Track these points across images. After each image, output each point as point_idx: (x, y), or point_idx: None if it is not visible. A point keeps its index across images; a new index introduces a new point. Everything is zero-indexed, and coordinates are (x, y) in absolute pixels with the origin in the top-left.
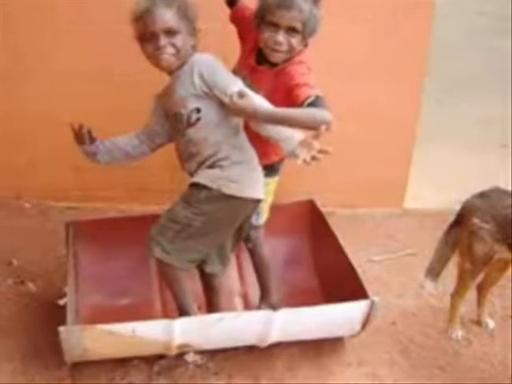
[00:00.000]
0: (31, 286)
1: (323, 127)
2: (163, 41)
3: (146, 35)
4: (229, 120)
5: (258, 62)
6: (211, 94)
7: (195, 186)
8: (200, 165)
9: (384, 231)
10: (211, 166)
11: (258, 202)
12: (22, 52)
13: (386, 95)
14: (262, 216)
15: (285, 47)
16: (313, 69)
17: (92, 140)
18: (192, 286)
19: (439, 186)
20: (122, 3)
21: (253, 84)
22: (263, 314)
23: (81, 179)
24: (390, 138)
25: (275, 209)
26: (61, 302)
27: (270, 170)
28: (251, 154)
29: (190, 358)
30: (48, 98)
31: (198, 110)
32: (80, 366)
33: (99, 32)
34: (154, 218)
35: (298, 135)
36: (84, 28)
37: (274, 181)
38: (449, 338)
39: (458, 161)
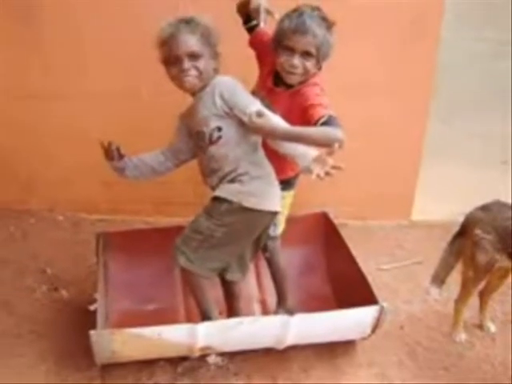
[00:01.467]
0: (64, 292)
1: (336, 145)
2: (187, 64)
3: (171, 59)
4: (248, 138)
5: (275, 84)
6: (231, 114)
7: (217, 199)
8: (221, 179)
9: (392, 241)
10: (232, 181)
11: (275, 214)
12: (54, 73)
13: (394, 115)
14: (279, 227)
15: (300, 70)
16: (326, 90)
17: (120, 156)
18: (214, 292)
19: (444, 199)
20: (149, 26)
21: (271, 105)
22: (280, 319)
23: (110, 193)
24: (398, 154)
25: (291, 220)
26: (91, 308)
27: (286, 184)
28: (269, 169)
29: (211, 359)
30: (79, 117)
31: (220, 129)
32: (109, 367)
33: (126, 54)
34: (179, 229)
35: (312, 152)
36: (112, 50)
37: (289, 195)
38: (453, 340)
39: (461, 176)
